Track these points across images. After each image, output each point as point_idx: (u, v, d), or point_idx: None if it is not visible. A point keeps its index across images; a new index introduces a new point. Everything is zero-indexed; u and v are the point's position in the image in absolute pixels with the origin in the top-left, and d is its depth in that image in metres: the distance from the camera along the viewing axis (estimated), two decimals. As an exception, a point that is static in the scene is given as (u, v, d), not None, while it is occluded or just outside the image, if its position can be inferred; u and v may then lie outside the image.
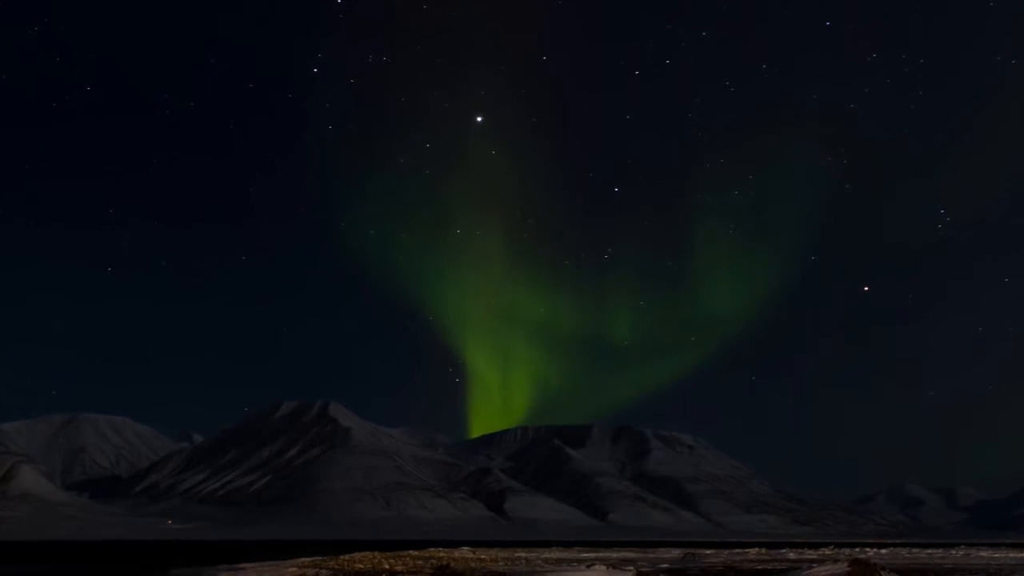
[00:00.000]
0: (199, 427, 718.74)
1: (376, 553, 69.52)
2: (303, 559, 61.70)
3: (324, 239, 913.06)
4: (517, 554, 77.16)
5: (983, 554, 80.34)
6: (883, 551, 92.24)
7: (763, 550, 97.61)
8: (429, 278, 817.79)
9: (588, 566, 49.94)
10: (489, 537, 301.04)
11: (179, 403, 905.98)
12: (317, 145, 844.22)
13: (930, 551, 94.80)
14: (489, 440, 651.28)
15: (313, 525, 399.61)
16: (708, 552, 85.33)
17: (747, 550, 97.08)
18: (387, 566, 48.19)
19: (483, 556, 68.14)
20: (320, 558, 62.77)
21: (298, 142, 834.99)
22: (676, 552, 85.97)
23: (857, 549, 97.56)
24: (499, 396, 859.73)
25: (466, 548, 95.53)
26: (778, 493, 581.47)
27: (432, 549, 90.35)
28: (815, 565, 41.12)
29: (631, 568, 48.22)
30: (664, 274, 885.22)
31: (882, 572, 32.50)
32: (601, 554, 79.62)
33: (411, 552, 76.50)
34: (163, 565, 65.89)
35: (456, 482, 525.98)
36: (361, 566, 48.26)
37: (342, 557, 61.34)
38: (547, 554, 78.89)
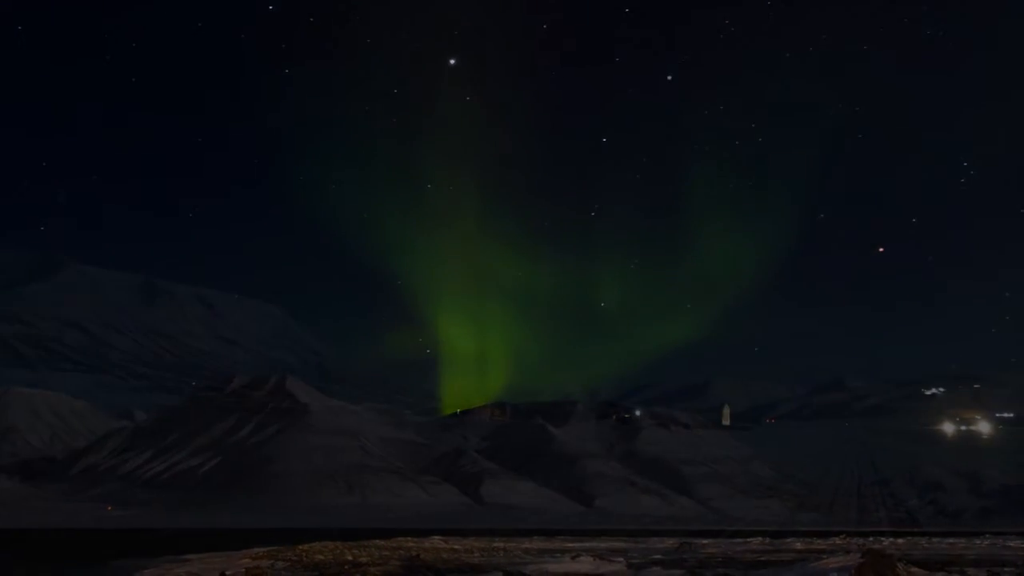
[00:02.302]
0: (141, 403, 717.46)
1: (338, 543, 69.56)
2: (256, 549, 61.57)
3: (279, 194, 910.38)
4: (494, 544, 77.45)
5: (1011, 544, 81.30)
6: (900, 540, 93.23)
7: (767, 539, 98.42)
8: (396, 238, 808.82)
9: (573, 557, 50.10)
10: (463, 525, 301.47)
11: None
12: (271, 91, 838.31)
13: (952, 540, 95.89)
14: (463, 418, 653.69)
15: (268, 511, 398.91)
16: (705, 542, 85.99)
17: (749, 539, 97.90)
18: (350, 557, 48.16)
19: (457, 546, 68.37)
20: (276, 548, 62.67)
21: (250, 88, 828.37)
22: (670, 542, 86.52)
23: (871, 538, 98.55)
24: (474, 369, 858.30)
25: (438, 537, 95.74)
26: (783, 476, 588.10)
27: (400, 538, 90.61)
28: (825, 556, 41.36)
29: (621, 559, 48.38)
30: (657, 233, 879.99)
31: (899, 564, 32.62)
32: (587, 544, 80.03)
33: (377, 542, 76.64)
34: (101, 555, 65.66)
35: (426, 464, 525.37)
36: (321, 557, 48.21)
37: (300, 547, 61.32)
38: (528, 544, 79.23)
